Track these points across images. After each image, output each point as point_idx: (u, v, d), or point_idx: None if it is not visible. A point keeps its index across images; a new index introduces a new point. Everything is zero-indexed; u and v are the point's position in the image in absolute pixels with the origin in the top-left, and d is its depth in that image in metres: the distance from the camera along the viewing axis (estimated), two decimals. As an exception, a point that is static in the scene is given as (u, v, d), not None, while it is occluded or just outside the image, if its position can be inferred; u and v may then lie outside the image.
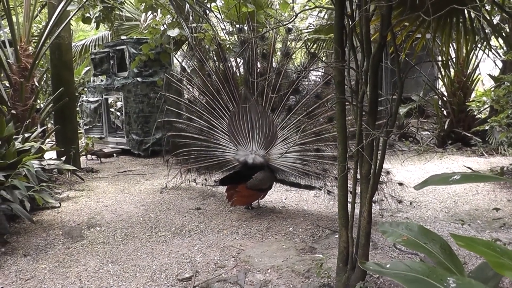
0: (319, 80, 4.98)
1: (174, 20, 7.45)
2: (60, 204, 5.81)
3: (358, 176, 3.29)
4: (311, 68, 4.85)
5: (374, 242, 4.18)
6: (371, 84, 2.92)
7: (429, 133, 10.43)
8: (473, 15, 4.22)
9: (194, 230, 4.78)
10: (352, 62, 3.22)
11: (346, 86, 3.19)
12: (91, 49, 12.05)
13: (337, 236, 4.49)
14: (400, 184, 5.01)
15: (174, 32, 6.93)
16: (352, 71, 3.22)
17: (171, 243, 4.42)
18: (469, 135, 8.75)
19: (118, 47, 9.81)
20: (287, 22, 4.27)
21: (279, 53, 5.23)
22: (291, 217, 5.13)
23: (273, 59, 5.24)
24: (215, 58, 5.64)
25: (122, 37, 10.34)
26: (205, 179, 6.51)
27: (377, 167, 3.14)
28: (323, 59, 4.87)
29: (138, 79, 9.42)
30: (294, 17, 3.37)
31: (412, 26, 3.65)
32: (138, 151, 9.60)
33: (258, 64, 5.25)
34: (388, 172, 4.90)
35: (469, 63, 9.31)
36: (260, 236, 4.55)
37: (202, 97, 5.71)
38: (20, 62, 6.80)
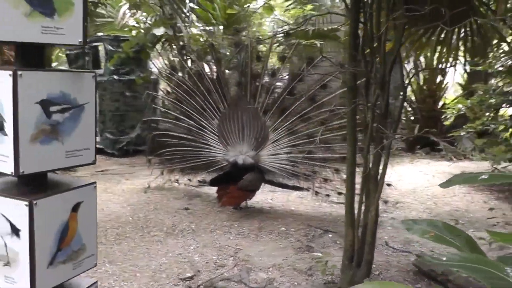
0: (315, 83, 5.09)
1: (159, 18, 7.39)
2: (42, 203, 5.65)
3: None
4: (313, 72, 4.95)
5: (367, 241, 4.32)
6: (386, 89, 3.05)
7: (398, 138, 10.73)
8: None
9: (186, 230, 4.78)
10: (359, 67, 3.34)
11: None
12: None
13: (330, 235, 4.63)
14: (388, 185, 5.17)
15: (159, 31, 6.88)
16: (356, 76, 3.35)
17: (165, 243, 4.40)
18: (437, 140, 9.11)
19: (94, 44, 9.61)
20: (295, 28, 4.36)
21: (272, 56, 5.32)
22: (281, 217, 5.20)
23: (268, 62, 5.32)
24: (207, 59, 5.67)
25: (99, 34, 10.12)
26: (189, 179, 6.48)
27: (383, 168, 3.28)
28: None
29: (115, 77, 9.25)
30: (303, 22, 3.46)
31: (415, 35, 3.83)
32: (113, 150, 9.42)
33: (253, 66, 5.31)
34: (377, 174, 5.06)
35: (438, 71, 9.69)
36: (254, 236, 4.60)
37: (192, 97, 5.69)
38: (3, 55, 6.60)
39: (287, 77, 5.33)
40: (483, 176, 2.23)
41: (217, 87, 5.47)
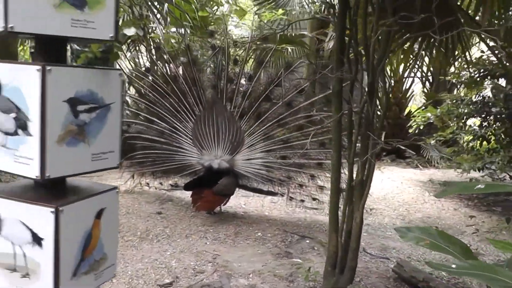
0: (292, 88, 5.09)
1: (128, 18, 7.21)
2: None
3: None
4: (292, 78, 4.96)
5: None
6: (375, 96, 3.07)
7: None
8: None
9: (161, 234, 4.66)
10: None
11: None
12: (29, 42, 11.24)
13: (307, 241, 4.63)
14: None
15: (130, 31, 6.71)
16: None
17: (140, 248, 4.28)
18: (403, 148, 9.30)
19: (58, 42, 9.29)
20: (280, 31, 4.34)
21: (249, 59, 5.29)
22: (256, 223, 5.16)
23: (245, 66, 5.28)
24: (182, 60, 5.56)
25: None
26: (160, 183, 6.34)
27: (369, 175, 3.30)
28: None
29: (81, 77, 8.96)
30: (287, 26, 3.45)
31: (397, 42, 3.89)
32: (77, 152, 9.11)
33: (229, 69, 5.26)
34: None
35: (405, 80, 9.93)
36: (231, 241, 4.55)
37: (166, 99, 5.56)
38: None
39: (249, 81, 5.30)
40: (479, 186, 2.25)
41: (192, 89, 5.38)
